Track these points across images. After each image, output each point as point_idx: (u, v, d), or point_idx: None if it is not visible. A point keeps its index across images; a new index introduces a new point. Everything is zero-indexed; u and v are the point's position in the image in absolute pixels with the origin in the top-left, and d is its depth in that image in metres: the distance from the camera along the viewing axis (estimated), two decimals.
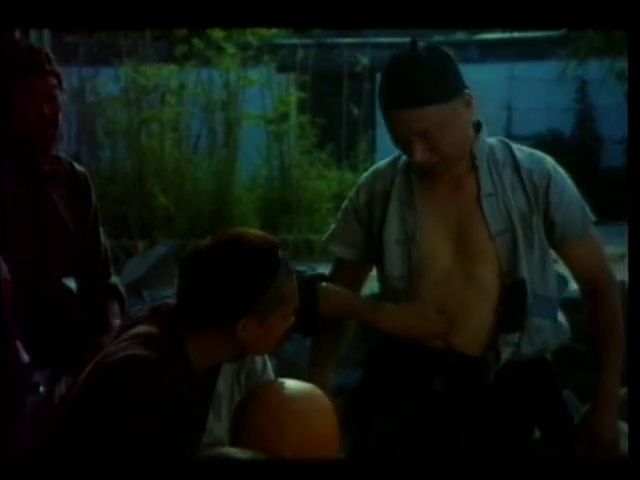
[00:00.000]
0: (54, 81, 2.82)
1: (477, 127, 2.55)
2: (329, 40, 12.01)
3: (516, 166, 2.52)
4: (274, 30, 10.07)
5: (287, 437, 2.10)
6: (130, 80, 9.88)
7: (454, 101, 2.40)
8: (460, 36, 14.49)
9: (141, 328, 2.11)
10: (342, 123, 10.71)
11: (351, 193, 2.66)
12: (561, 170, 2.57)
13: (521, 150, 2.58)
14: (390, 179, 2.58)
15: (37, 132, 2.78)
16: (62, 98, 2.84)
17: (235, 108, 10.07)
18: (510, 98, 13.42)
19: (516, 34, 14.59)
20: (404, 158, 2.56)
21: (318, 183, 10.26)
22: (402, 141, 2.43)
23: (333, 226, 2.70)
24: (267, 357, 2.94)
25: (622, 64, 11.30)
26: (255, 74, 10.13)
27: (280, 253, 2.10)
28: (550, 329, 2.53)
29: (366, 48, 11.38)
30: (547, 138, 13.54)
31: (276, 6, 2.36)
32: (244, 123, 10.08)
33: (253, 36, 9.89)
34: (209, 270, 2.06)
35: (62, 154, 2.95)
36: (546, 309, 2.52)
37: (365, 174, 2.67)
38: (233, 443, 2.17)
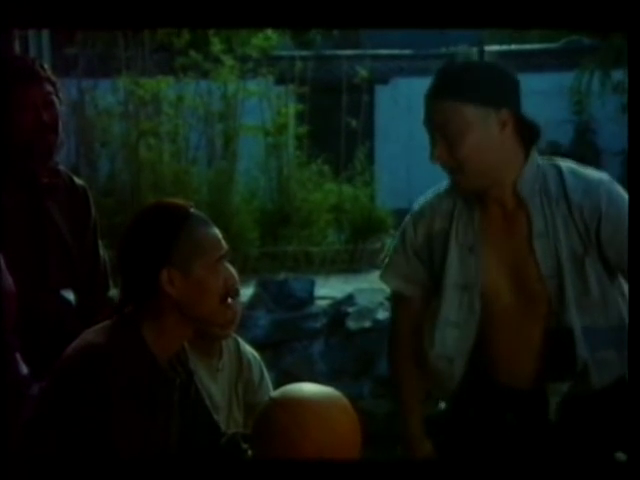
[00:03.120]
0: (50, 88, 2.83)
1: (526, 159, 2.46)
2: (328, 52, 12.04)
3: (568, 201, 2.42)
4: (272, 42, 10.09)
5: (310, 436, 2.13)
6: (129, 92, 9.90)
7: (484, 109, 2.36)
8: (459, 48, 14.51)
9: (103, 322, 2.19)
10: (340, 135, 10.71)
11: (407, 227, 2.59)
12: (618, 197, 2.44)
13: (575, 175, 2.47)
14: (448, 217, 2.52)
15: (38, 139, 2.79)
16: (60, 106, 2.85)
17: (233, 120, 10.08)
18: None
19: (514, 46, 14.62)
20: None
21: (316, 195, 10.27)
22: (430, 137, 2.41)
23: (388, 260, 2.64)
24: (264, 369, 2.94)
25: (619, 76, 11.33)
26: (253, 86, 10.15)
27: (192, 210, 2.18)
28: (618, 358, 2.44)
29: (365, 60, 11.40)
30: (546, 150, 13.50)
31: (275, 6, 2.35)
32: (242, 135, 10.09)
33: (252, 48, 9.92)
34: (125, 239, 2.17)
35: (61, 167, 2.95)
36: (610, 340, 2.44)
37: (419, 207, 2.58)
38: (256, 447, 2.19)
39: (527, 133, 2.45)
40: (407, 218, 2.62)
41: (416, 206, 2.60)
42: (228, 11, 2.34)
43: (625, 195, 2.43)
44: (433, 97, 2.39)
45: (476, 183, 2.41)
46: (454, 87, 2.36)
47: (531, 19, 2.40)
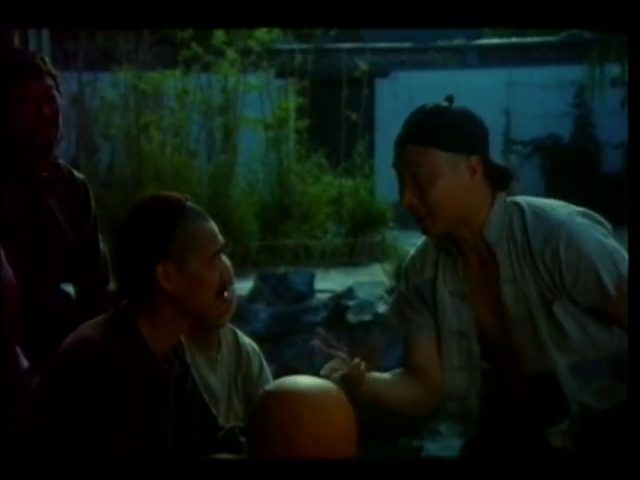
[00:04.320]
0: (51, 82, 2.83)
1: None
2: (328, 45, 12.03)
3: (530, 249, 2.40)
4: (273, 35, 10.08)
5: (306, 429, 2.13)
6: (130, 85, 9.90)
7: (453, 156, 2.36)
8: (459, 41, 14.51)
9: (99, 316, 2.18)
10: (340, 128, 10.72)
11: (401, 279, 2.62)
12: (579, 238, 2.38)
13: (537, 218, 2.42)
14: (434, 266, 2.53)
15: (38, 133, 2.79)
16: (60, 99, 2.85)
17: (234, 113, 10.08)
18: (509, 103, 13.43)
19: (515, 39, 14.61)
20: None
21: (316, 188, 10.27)
22: (399, 181, 2.42)
23: (390, 310, 2.67)
24: (264, 360, 2.94)
25: (617, 70, 11.32)
26: (254, 79, 10.15)
27: (188, 203, 2.17)
28: (616, 384, 2.42)
29: (365, 53, 11.40)
30: (546, 143, 13.55)
31: (277, 6, 2.36)
32: (243, 128, 10.10)
33: (254, 41, 9.91)
34: (120, 234, 2.15)
35: (61, 161, 2.96)
36: (605, 369, 2.43)
37: (410, 257, 2.60)
38: (252, 441, 2.19)
39: (496, 178, 2.43)
40: (402, 270, 2.64)
41: (409, 257, 2.62)
42: (228, 11, 2.34)
43: (590, 231, 2.41)
44: (404, 142, 2.40)
45: (444, 228, 2.43)
46: (425, 133, 2.37)
47: (531, 18, 2.40)
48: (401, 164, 2.41)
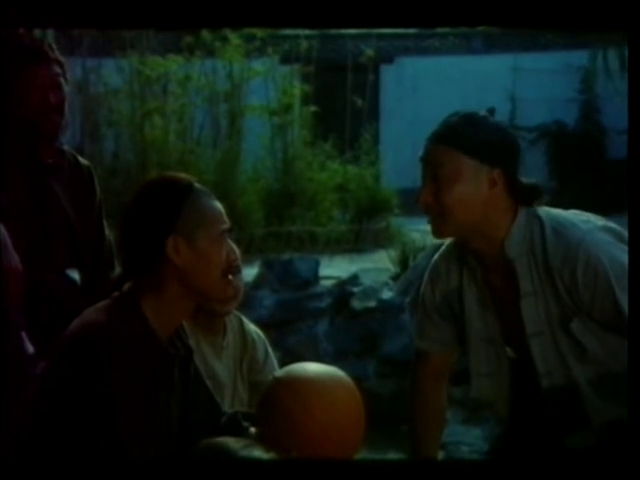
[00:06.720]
0: (58, 69, 2.83)
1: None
2: (333, 31, 12.01)
3: (549, 266, 2.40)
4: None
5: (314, 416, 2.14)
6: (134, 71, 9.89)
7: (476, 164, 2.37)
8: (464, 27, 14.48)
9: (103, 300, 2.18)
10: (346, 114, 10.71)
11: (426, 287, 2.61)
12: (597, 259, 2.37)
13: (556, 235, 2.41)
14: (460, 273, 2.54)
15: (43, 120, 2.80)
16: (66, 86, 2.86)
17: (239, 99, 10.08)
18: (514, 89, 13.41)
19: None
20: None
21: (321, 175, 10.27)
22: (422, 178, 2.43)
23: (416, 323, 2.68)
24: (269, 347, 2.95)
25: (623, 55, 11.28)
26: (259, 65, 10.14)
27: (195, 183, 2.19)
28: None
29: (370, 39, 11.38)
30: (551, 129, 13.53)
31: (281, 6, 2.37)
32: (248, 114, 10.09)
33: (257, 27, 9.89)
34: (130, 210, 2.18)
35: (66, 147, 2.96)
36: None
37: (434, 264, 2.60)
38: (261, 427, 2.20)
39: (520, 195, 2.42)
40: (425, 277, 2.63)
41: (432, 263, 2.61)
42: (229, 11, 2.35)
43: (609, 250, 2.39)
44: (432, 140, 2.42)
45: (453, 233, 2.44)
46: (453, 135, 2.38)
47: (531, 19, 2.41)
48: (426, 161, 2.42)
